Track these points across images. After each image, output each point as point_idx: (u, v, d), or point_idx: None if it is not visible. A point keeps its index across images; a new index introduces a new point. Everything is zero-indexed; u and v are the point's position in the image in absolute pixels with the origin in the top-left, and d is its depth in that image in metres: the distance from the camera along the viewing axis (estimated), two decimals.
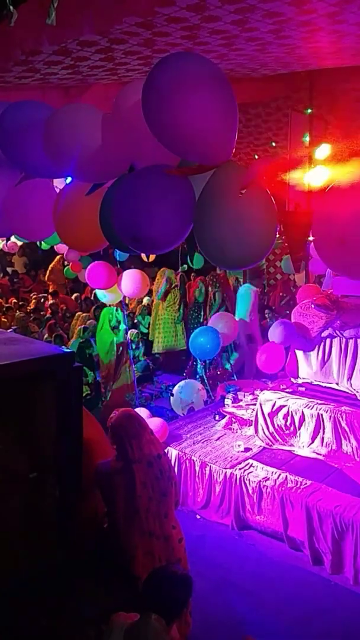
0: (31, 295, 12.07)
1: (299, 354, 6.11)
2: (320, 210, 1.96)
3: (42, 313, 10.13)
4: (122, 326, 7.12)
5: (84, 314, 9.35)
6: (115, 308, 7.11)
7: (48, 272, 12.94)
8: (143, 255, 10.19)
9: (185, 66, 1.82)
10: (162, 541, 2.90)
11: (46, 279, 13.01)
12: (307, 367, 6.09)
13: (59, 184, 3.85)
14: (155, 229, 2.07)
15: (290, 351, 6.22)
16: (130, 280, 5.83)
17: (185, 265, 10.65)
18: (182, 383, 6.92)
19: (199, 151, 1.94)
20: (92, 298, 10.91)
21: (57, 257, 12.13)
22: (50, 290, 12.21)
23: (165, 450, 3.20)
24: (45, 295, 11.92)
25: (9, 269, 15.17)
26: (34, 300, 11.16)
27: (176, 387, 6.85)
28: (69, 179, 2.85)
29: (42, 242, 9.28)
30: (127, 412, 3.08)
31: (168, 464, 3.06)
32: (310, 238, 6.50)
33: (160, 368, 9.02)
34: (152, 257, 10.51)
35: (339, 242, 1.92)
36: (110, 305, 7.14)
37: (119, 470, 2.88)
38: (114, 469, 2.90)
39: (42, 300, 11.26)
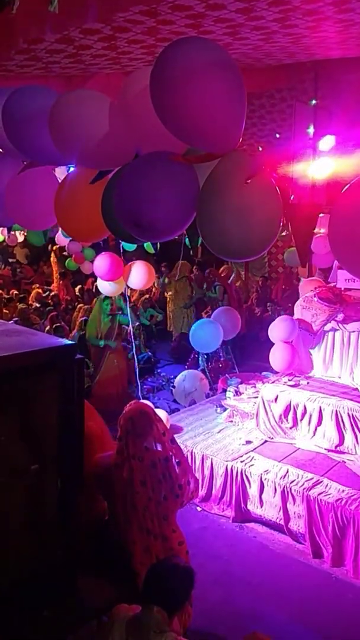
0: (32, 287, 12.05)
1: (302, 348, 6.09)
2: (338, 209, 1.90)
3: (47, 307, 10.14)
4: (105, 318, 7.13)
5: (86, 306, 9.35)
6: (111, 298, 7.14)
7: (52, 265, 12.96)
8: (147, 246, 10.23)
9: (195, 51, 1.78)
10: (160, 540, 2.86)
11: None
12: (310, 360, 6.08)
13: (60, 173, 3.81)
14: (158, 214, 2.03)
15: (293, 344, 6.20)
16: (135, 271, 5.81)
17: None
18: (184, 372, 6.93)
19: (208, 138, 1.91)
20: (93, 290, 10.91)
21: (54, 247, 12.13)
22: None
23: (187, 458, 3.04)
24: (49, 288, 11.91)
25: (10, 260, 15.14)
26: (34, 292, 11.15)
27: (179, 376, 6.87)
28: (72, 168, 2.82)
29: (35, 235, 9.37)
30: (141, 407, 2.97)
31: (178, 469, 2.90)
32: (315, 230, 6.45)
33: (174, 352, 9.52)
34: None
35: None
36: (110, 297, 7.15)
37: (119, 464, 2.85)
38: (114, 463, 2.87)
39: (46, 293, 11.25)
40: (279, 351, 5.77)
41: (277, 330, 5.79)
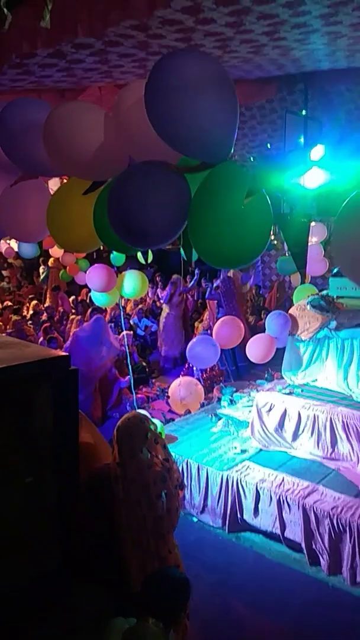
0: (26, 299, 12.03)
1: (295, 355, 6.11)
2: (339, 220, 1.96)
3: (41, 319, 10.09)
4: None
5: (78, 317, 9.34)
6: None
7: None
8: (139, 256, 10.19)
9: (189, 62, 1.82)
10: (157, 562, 2.80)
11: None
12: (303, 368, 6.10)
13: (53, 185, 3.84)
14: (150, 223, 2.06)
15: (286, 352, 6.22)
16: (129, 280, 5.84)
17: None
18: (180, 378, 6.93)
19: (202, 148, 1.94)
20: (87, 301, 10.90)
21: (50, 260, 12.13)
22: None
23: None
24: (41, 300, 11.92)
25: (4, 274, 15.14)
26: (33, 303, 11.14)
27: (174, 382, 6.86)
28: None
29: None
30: (143, 427, 2.82)
31: (173, 485, 2.82)
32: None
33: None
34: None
35: None
36: (105, 309, 7.11)
37: (119, 477, 2.78)
38: (113, 476, 2.80)
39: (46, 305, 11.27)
40: (256, 341, 5.85)
41: (269, 324, 5.88)
